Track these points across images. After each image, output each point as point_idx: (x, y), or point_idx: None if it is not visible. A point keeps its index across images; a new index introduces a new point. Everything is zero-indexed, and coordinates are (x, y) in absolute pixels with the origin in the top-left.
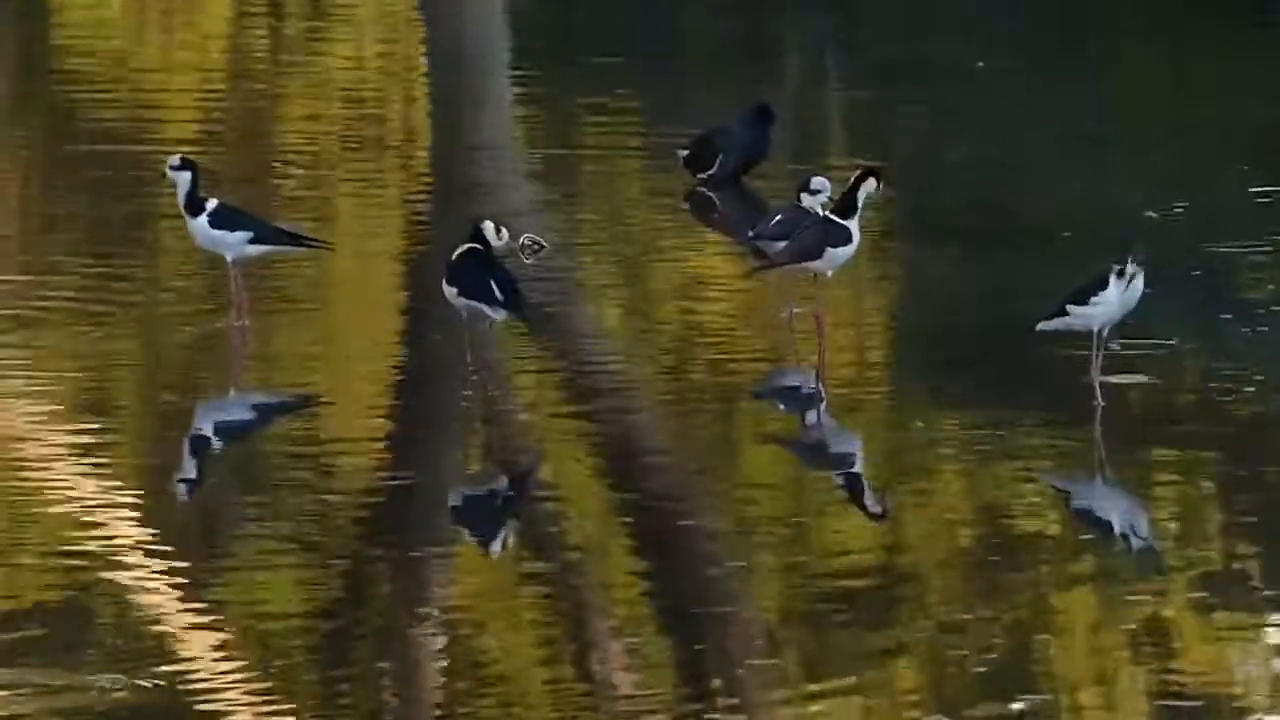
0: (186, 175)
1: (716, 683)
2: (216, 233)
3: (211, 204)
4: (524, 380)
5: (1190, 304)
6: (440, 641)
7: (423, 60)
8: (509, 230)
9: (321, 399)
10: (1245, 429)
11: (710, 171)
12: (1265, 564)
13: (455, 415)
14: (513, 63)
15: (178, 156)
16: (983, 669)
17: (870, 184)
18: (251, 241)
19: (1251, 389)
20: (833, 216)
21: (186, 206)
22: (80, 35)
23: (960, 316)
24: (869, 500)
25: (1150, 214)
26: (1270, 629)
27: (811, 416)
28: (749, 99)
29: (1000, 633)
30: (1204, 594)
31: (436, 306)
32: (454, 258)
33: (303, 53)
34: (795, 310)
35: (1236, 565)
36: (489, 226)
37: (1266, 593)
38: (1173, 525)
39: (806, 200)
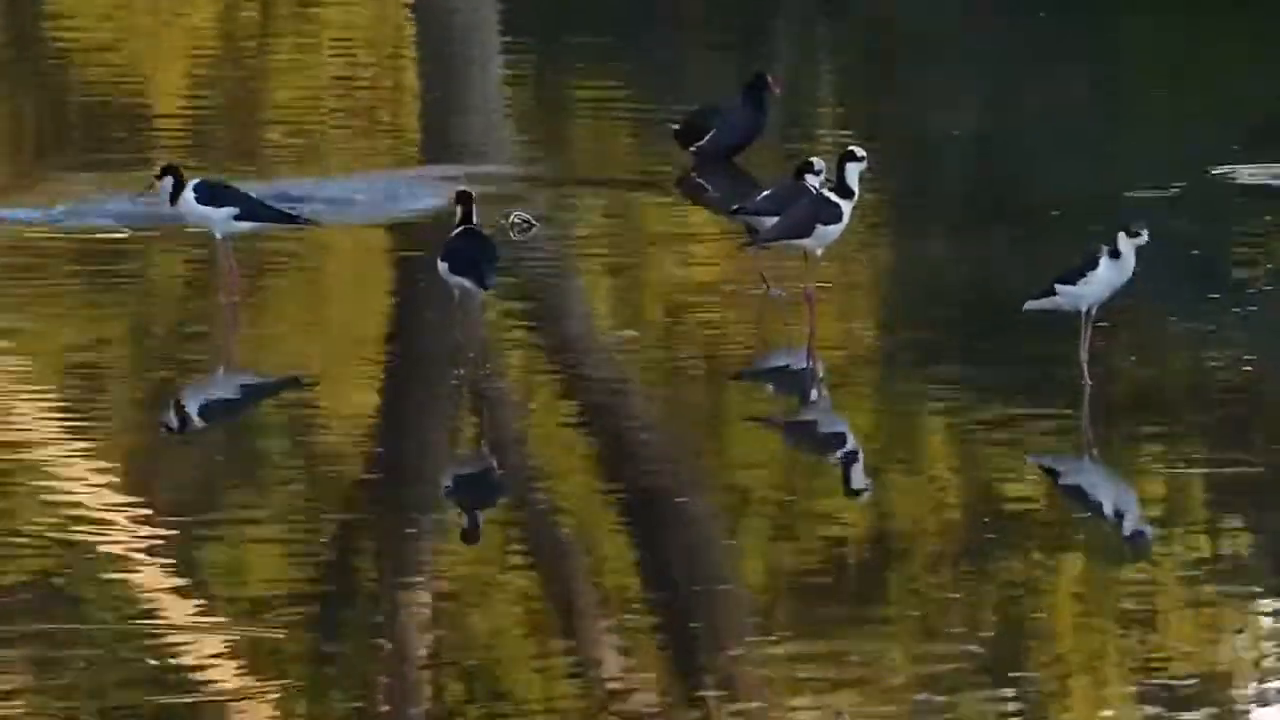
0: (169, 180)
1: (707, 660)
2: (203, 209)
3: (194, 181)
4: (514, 357)
5: (1182, 283)
6: (429, 619)
7: (411, 27)
8: (515, 212)
9: (312, 376)
10: (1235, 408)
11: (700, 144)
12: (1253, 542)
13: (446, 393)
14: (502, 34)
15: (158, 167)
16: (972, 646)
17: (855, 164)
18: (238, 218)
19: (1244, 368)
20: (826, 194)
21: (170, 201)
22: (71, 4)
23: (952, 295)
24: (858, 478)
25: (1145, 193)
26: (1258, 607)
27: (802, 395)
28: (742, 78)
29: (989, 610)
30: (1192, 572)
31: (429, 282)
32: (451, 235)
33: (293, 17)
34: (785, 289)
35: (1225, 543)
36: (461, 207)
37: (1255, 571)
38: (1161, 503)
39: (810, 180)
